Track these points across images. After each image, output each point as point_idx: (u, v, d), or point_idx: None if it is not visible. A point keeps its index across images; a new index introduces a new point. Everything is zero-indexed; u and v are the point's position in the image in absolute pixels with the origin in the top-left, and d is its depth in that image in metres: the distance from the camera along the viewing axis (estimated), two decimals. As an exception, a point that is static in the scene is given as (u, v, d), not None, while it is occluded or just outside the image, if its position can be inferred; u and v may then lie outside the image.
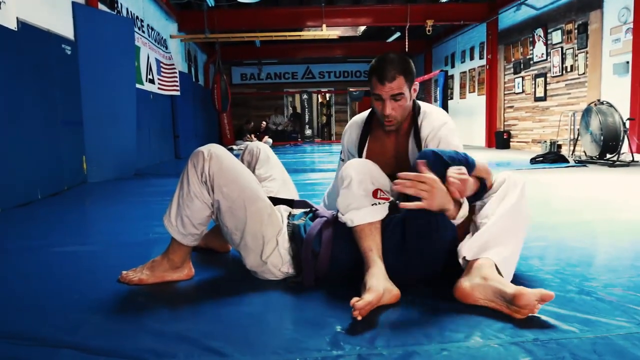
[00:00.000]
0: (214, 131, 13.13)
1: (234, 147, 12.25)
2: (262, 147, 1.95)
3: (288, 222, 1.67)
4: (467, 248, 1.47)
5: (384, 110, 1.69)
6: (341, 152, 2.00)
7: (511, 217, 1.49)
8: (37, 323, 1.35)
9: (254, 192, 1.59)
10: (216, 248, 2.03)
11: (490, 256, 1.42)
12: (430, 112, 1.79)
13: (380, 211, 1.51)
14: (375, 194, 1.52)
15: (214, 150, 1.58)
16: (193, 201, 1.58)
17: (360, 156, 1.83)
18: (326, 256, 1.56)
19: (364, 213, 1.49)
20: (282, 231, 1.62)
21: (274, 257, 1.59)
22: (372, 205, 1.50)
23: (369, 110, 1.89)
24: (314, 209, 1.75)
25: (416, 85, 1.75)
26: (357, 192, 1.50)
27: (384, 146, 1.83)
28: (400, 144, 1.81)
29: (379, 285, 1.36)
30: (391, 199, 1.56)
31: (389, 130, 1.78)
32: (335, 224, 1.60)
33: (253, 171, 1.88)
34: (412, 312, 1.35)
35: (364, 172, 1.53)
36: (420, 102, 1.85)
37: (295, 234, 1.62)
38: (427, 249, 1.52)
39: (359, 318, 1.27)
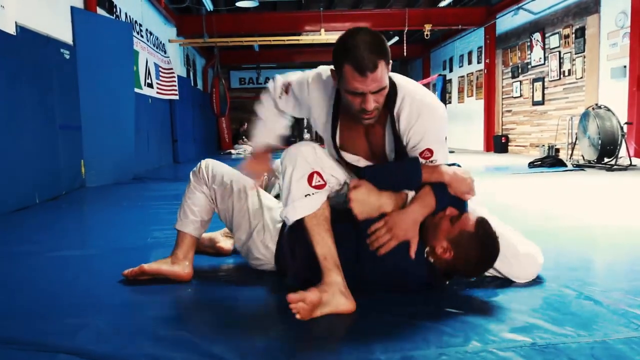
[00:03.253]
0: (212, 135, 13.12)
1: (233, 151, 12.24)
2: None
3: None
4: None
5: (365, 106, 1.37)
6: (281, 96, 1.76)
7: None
8: (34, 328, 1.34)
9: (239, 176, 1.79)
10: (218, 248, 2.08)
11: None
12: (408, 99, 1.46)
13: (315, 201, 1.45)
14: (310, 180, 1.44)
15: (208, 159, 1.86)
16: (194, 192, 1.80)
17: (334, 144, 1.58)
18: (287, 249, 1.62)
19: (297, 207, 1.45)
20: (268, 207, 1.73)
21: (259, 228, 1.69)
22: (306, 196, 1.44)
23: (329, 75, 1.50)
24: None
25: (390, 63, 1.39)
26: (292, 184, 1.45)
27: (358, 136, 1.56)
28: (376, 134, 1.54)
29: (329, 297, 1.36)
30: (328, 184, 1.47)
31: (366, 124, 1.48)
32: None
33: None
34: (410, 316, 1.35)
35: (300, 159, 1.46)
36: (395, 78, 1.50)
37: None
38: (380, 265, 1.47)
39: (295, 310, 1.29)
